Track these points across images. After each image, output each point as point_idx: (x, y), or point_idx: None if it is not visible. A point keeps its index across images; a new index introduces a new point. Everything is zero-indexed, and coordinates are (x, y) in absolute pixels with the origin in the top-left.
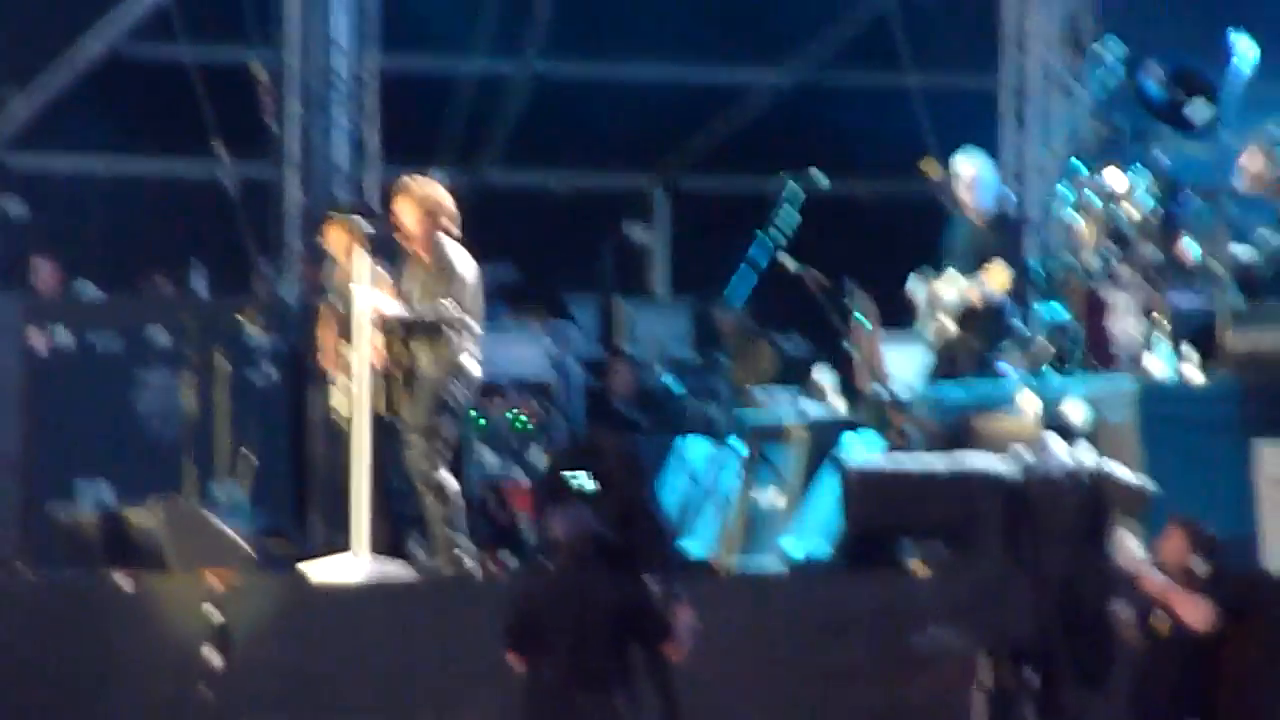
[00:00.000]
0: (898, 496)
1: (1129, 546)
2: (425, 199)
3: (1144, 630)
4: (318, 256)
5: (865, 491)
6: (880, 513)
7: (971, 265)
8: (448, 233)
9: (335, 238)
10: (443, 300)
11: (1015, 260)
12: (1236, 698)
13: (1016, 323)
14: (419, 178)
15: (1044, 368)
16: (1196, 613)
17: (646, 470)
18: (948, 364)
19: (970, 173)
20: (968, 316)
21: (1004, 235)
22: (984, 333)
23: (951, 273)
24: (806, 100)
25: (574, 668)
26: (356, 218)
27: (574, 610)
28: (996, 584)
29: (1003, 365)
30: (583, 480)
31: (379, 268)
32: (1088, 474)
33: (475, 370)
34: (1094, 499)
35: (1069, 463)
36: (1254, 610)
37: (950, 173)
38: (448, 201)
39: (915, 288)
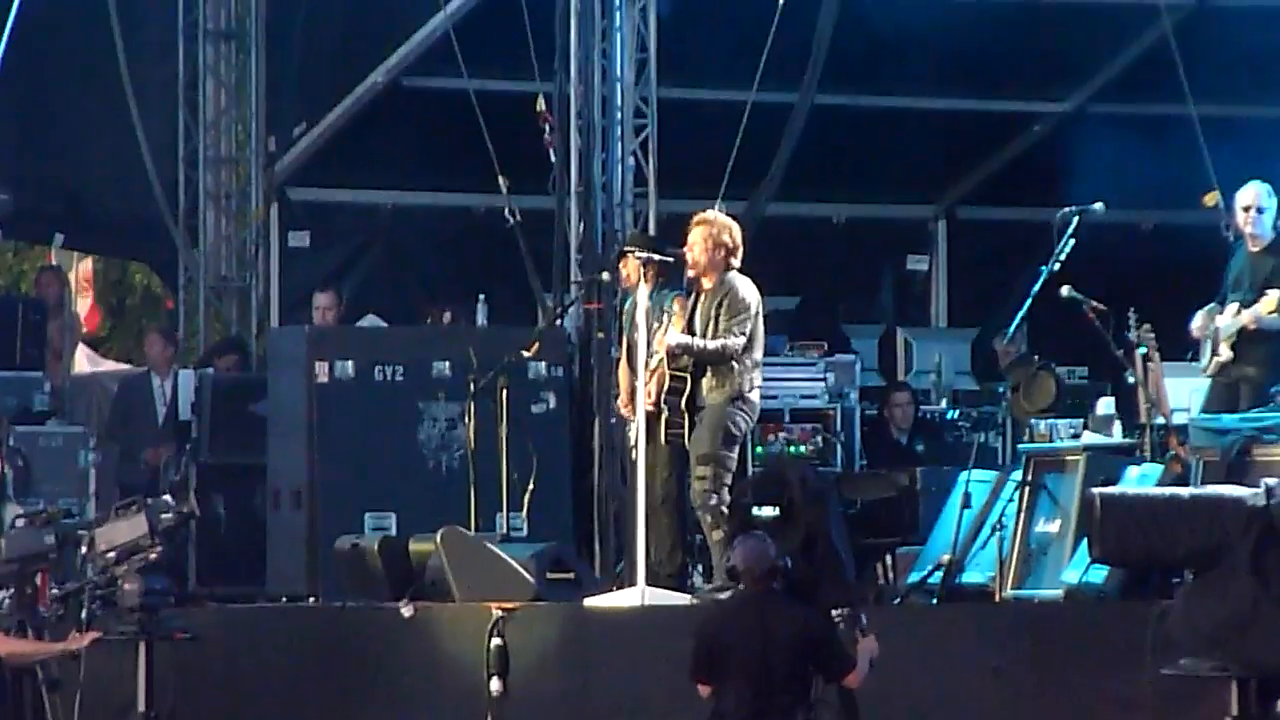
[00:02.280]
0: (1146, 525)
1: None
2: (718, 231)
3: None
4: (596, 287)
5: (1112, 520)
6: (1129, 542)
7: (1250, 294)
8: (733, 267)
9: (629, 270)
10: (728, 331)
11: None
12: None
13: None
14: (710, 210)
15: None
16: None
17: (830, 501)
18: (1226, 394)
19: (1249, 200)
20: (1242, 343)
21: None
22: (1260, 360)
23: (1232, 306)
24: (1087, 129)
25: (756, 696)
26: (646, 251)
27: (756, 640)
28: (1245, 612)
29: None
30: (766, 510)
31: (668, 299)
32: None
33: (757, 400)
34: None
35: None
36: None
37: (1230, 203)
38: (736, 234)
39: (1199, 321)
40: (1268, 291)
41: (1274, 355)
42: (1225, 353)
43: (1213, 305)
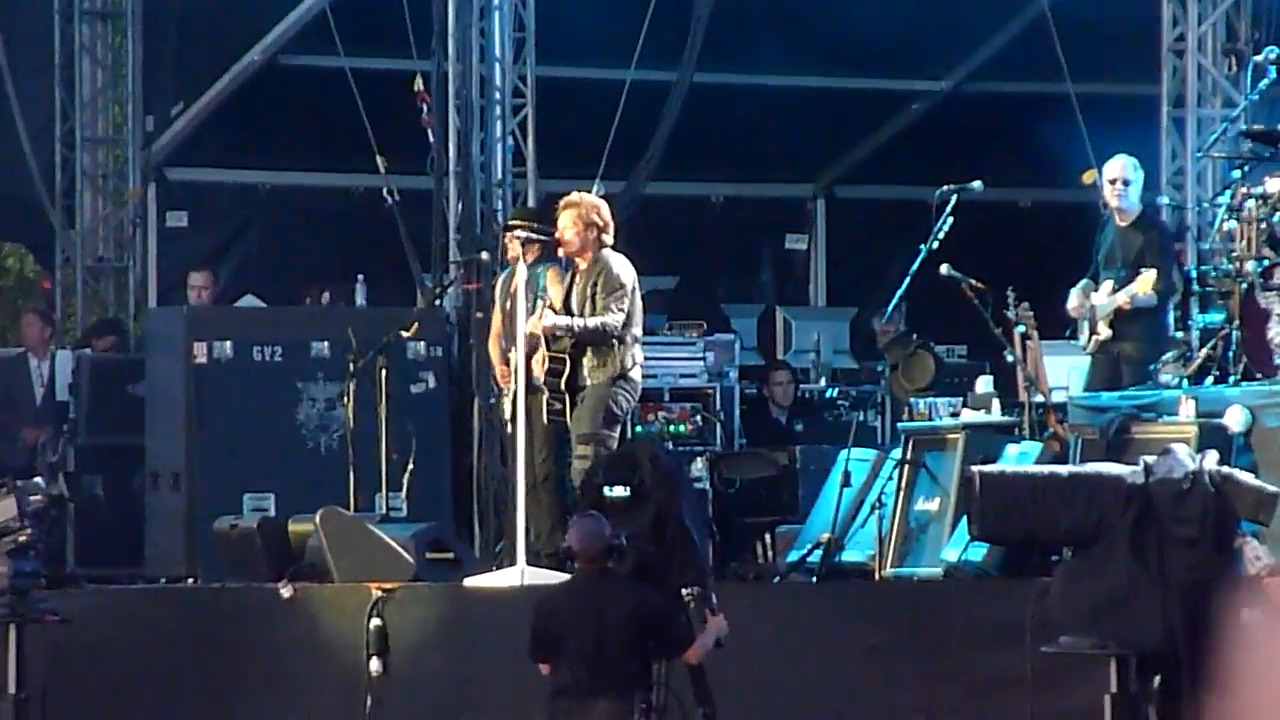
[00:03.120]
0: (1025, 503)
1: (1256, 550)
2: (586, 210)
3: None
4: (475, 267)
5: (991, 498)
6: (1009, 520)
7: (1123, 271)
8: (606, 245)
9: (512, 246)
10: (606, 309)
11: (1167, 261)
12: None
13: (1172, 330)
14: (580, 192)
15: (1203, 375)
16: None
17: (681, 481)
18: (1109, 370)
19: (1115, 173)
20: (1120, 321)
21: (1153, 237)
22: (1138, 336)
23: (1107, 284)
24: (964, 108)
25: (592, 675)
26: (529, 225)
27: (590, 619)
28: (1123, 590)
29: (1161, 373)
30: (617, 490)
31: (542, 275)
32: (1213, 479)
33: (638, 378)
34: (1220, 504)
35: (1194, 467)
36: None
37: (1101, 179)
38: (605, 212)
39: (1074, 300)
40: (1142, 271)
41: (1153, 331)
42: (1104, 331)
43: (1086, 282)
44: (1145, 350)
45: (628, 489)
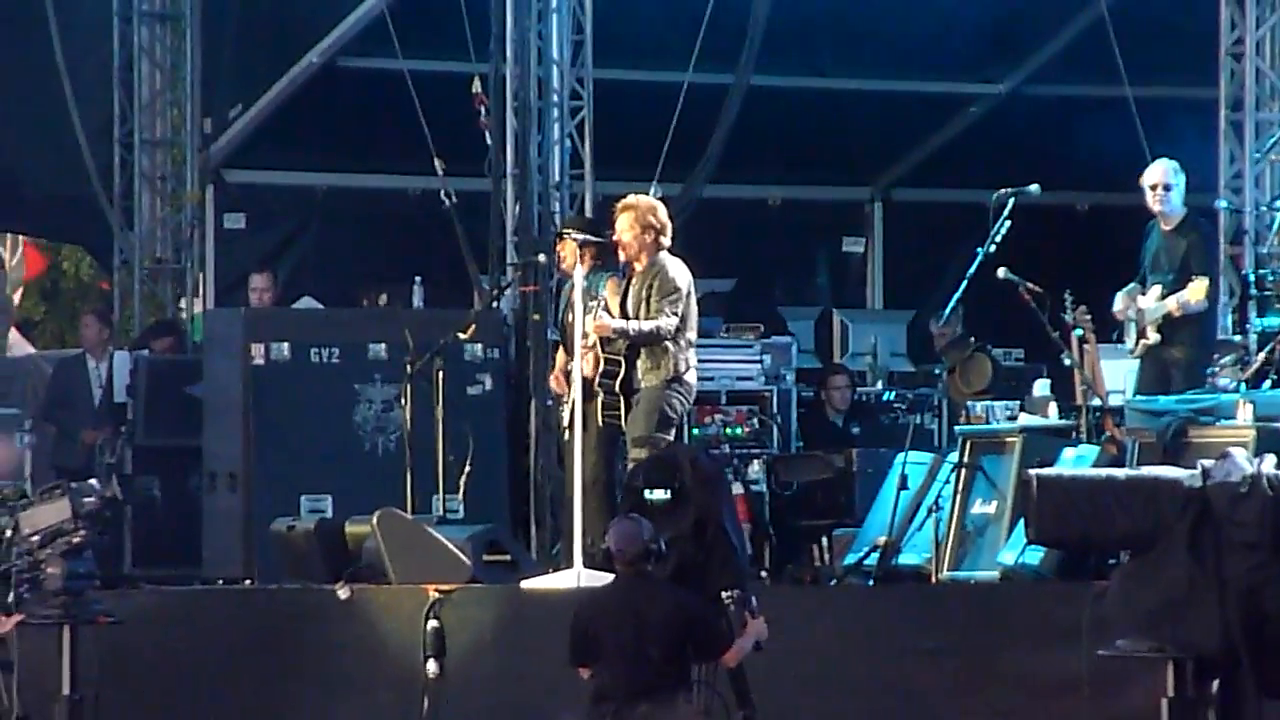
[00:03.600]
0: (1082, 507)
1: None
2: (643, 213)
3: None
4: (533, 269)
5: (1048, 501)
6: (1066, 523)
7: (1169, 275)
8: (663, 247)
9: (566, 252)
10: (660, 311)
11: (1212, 264)
12: None
13: (1229, 333)
14: (637, 194)
15: (1261, 378)
16: None
17: (722, 485)
18: (1158, 375)
19: (1155, 179)
20: (1169, 326)
21: (1195, 240)
22: (1188, 341)
23: (1155, 288)
24: (1023, 111)
25: (633, 679)
26: (583, 233)
27: (629, 623)
28: (1181, 594)
29: (1218, 376)
30: (658, 493)
31: (602, 282)
32: (1271, 483)
33: (693, 381)
34: (1276, 507)
35: (1251, 471)
36: None
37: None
38: (663, 214)
39: (1120, 304)
40: (1193, 278)
41: (1202, 336)
42: (1153, 335)
43: (1133, 286)
44: (1195, 354)
45: (668, 492)
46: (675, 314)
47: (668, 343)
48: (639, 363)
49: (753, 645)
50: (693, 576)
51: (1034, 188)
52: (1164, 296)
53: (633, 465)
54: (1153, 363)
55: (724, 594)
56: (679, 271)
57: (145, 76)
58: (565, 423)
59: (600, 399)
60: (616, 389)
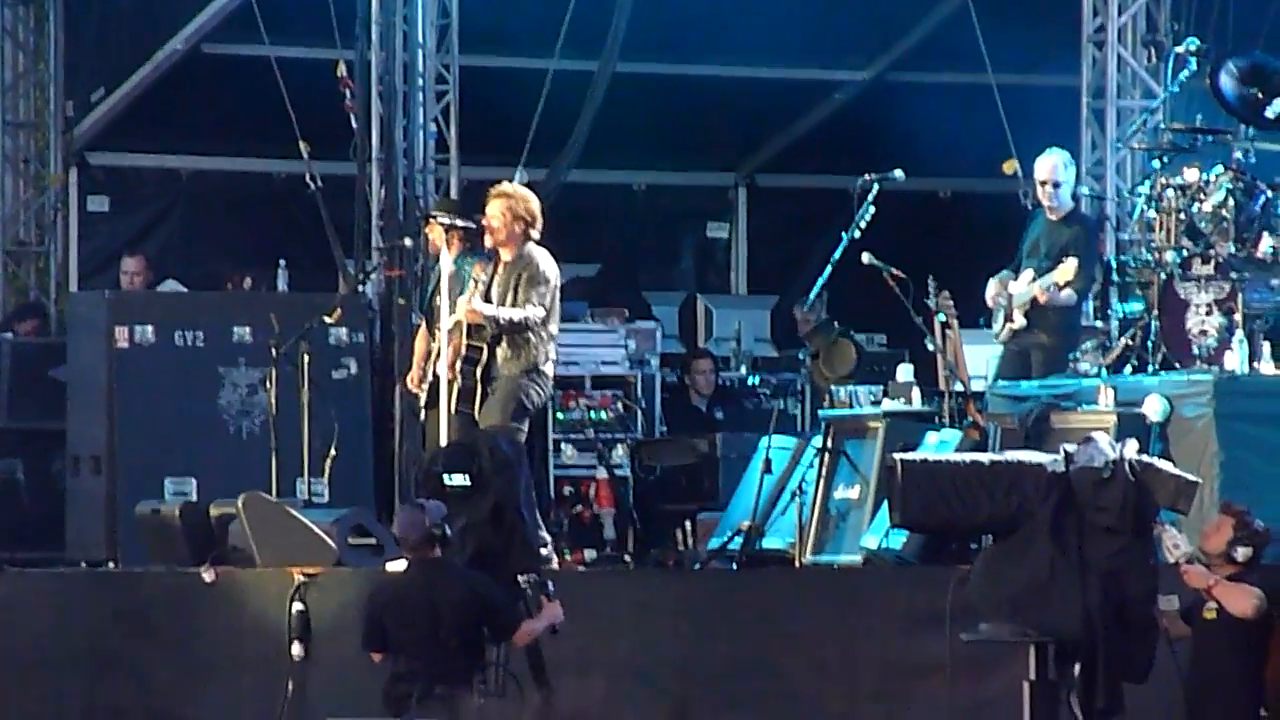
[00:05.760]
0: (946, 491)
1: (1174, 538)
2: (518, 203)
3: (1190, 621)
4: (398, 253)
5: (912, 486)
6: (930, 508)
7: (1045, 262)
8: (533, 239)
9: (434, 236)
10: (528, 302)
11: (1089, 257)
12: None
13: (1091, 319)
14: (508, 182)
15: (1122, 364)
16: (1243, 602)
17: (518, 471)
18: (1018, 361)
19: (1045, 175)
20: (1035, 310)
21: (1079, 232)
22: (1053, 328)
23: (1027, 273)
24: (886, 98)
25: (428, 662)
26: (450, 216)
27: (422, 607)
28: (1043, 578)
29: (1080, 362)
30: (457, 478)
31: (470, 265)
32: (1133, 468)
33: (551, 372)
34: (1139, 493)
35: (1113, 456)
36: None
37: (1028, 172)
38: (535, 206)
39: (992, 289)
40: (1064, 260)
41: (1067, 323)
42: (1019, 319)
43: (1005, 272)
44: (1058, 341)
45: (467, 477)
46: (543, 305)
47: (530, 333)
48: (499, 350)
49: (547, 628)
50: (491, 561)
51: (898, 173)
52: (1034, 280)
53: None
54: (1016, 348)
55: (521, 577)
56: (548, 263)
57: (8, 58)
58: (423, 403)
59: (458, 385)
60: (476, 375)
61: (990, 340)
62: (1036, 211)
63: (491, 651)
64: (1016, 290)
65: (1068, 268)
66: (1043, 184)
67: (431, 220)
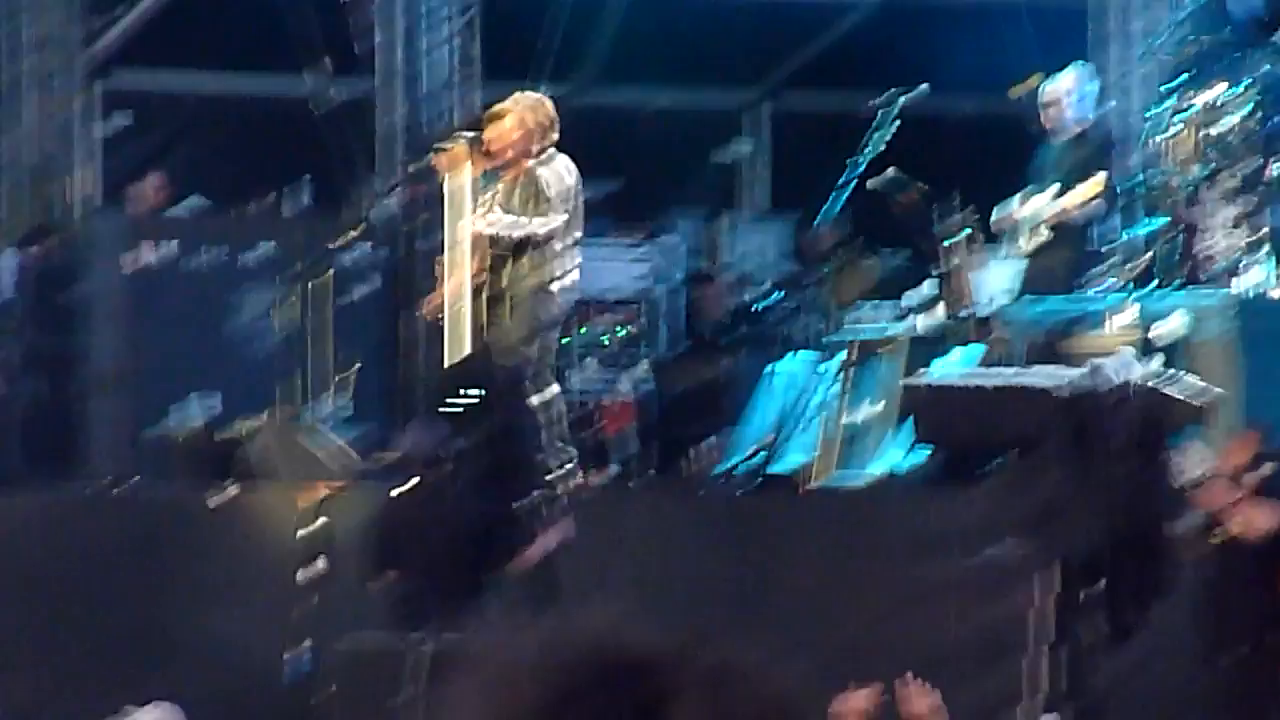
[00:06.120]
0: (967, 408)
1: (1192, 457)
2: (530, 111)
3: (1208, 540)
4: (419, 172)
5: (932, 404)
6: (951, 425)
7: (1066, 179)
8: (553, 142)
9: (458, 154)
10: (546, 213)
11: (1108, 173)
12: None
13: (1112, 237)
14: (523, 93)
15: (1141, 282)
16: (1261, 519)
17: (526, 388)
18: (1041, 278)
19: (1068, 85)
20: (1055, 230)
21: (1098, 148)
22: (1073, 245)
23: (1051, 189)
24: (908, 14)
25: (434, 578)
26: (462, 135)
27: (430, 523)
28: (1063, 495)
29: (1100, 279)
30: (464, 397)
31: (494, 181)
32: (1145, 386)
33: (574, 282)
34: (1153, 411)
35: (1126, 375)
36: None
37: (1048, 87)
38: (550, 109)
39: (1009, 205)
40: (1094, 175)
41: (1087, 240)
42: (1039, 235)
43: (1030, 188)
44: (1078, 257)
45: (477, 394)
46: (565, 212)
47: (549, 244)
48: (519, 264)
49: (556, 546)
50: (499, 479)
51: (923, 88)
52: (1058, 196)
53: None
54: (1036, 265)
55: (529, 495)
56: (566, 170)
57: None
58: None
59: (484, 297)
60: (500, 287)
61: (1012, 257)
62: (1045, 136)
63: (501, 569)
64: (1036, 207)
65: (1096, 181)
66: (1054, 103)
67: (456, 139)
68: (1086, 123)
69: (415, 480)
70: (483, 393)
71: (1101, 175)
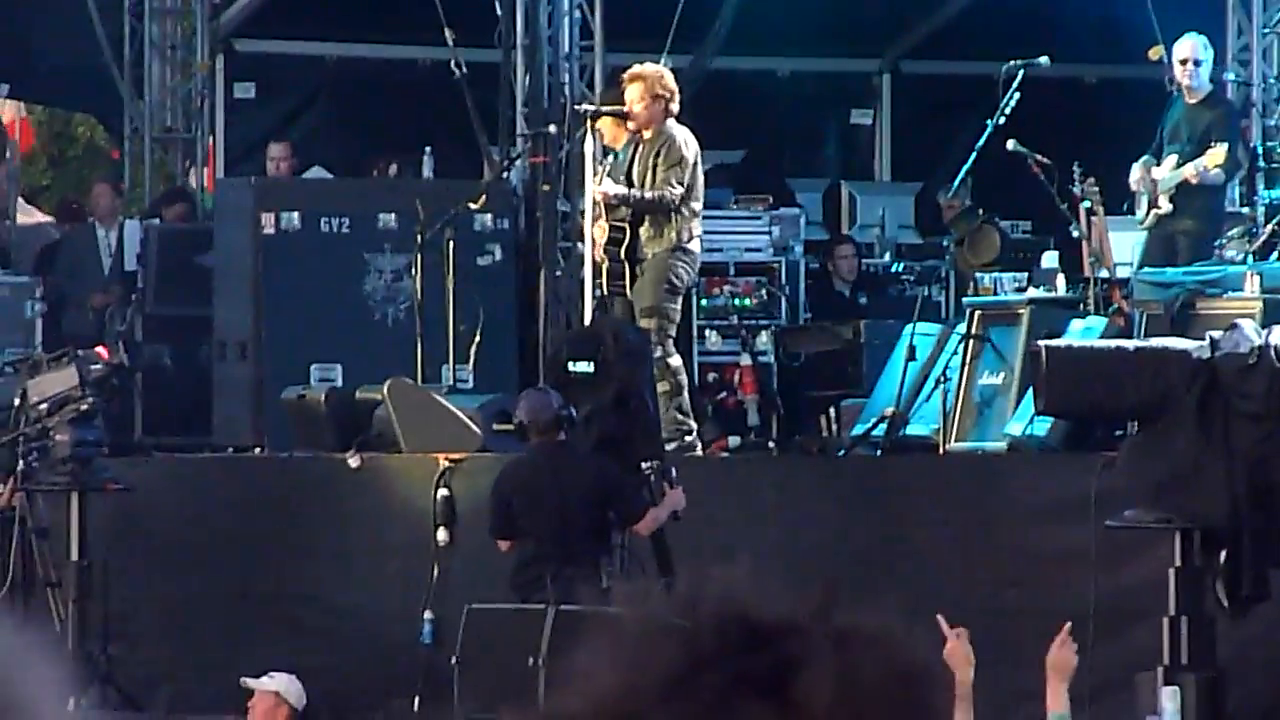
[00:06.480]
0: (1092, 378)
1: None
2: (653, 81)
3: None
4: (543, 140)
5: (1057, 372)
6: (1075, 394)
7: (1188, 146)
8: (672, 115)
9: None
10: (665, 181)
11: (1234, 139)
12: None
13: (1237, 206)
14: (645, 63)
15: (1269, 250)
16: None
17: (645, 358)
18: (1164, 247)
19: (1185, 53)
20: (1181, 196)
21: (1221, 114)
22: (1199, 213)
23: (1170, 158)
24: None
25: (556, 545)
26: (585, 104)
27: (551, 491)
28: (1189, 465)
29: (1226, 248)
30: (581, 365)
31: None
32: (1277, 353)
33: (698, 250)
34: None
35: (1259, 342)
36: None
37: (1180, 44)
38: (670, 82)
39: (1136, 174)
40: (1213, 145)
41: (1213, 208)
42: (1165, 205)
43: (1148, 158)
44: (1204, 227)
45: (591, 364)
46: (681, 183)
47: (672, 212)
48: (642, 230)
49: (670, 515)
50: (614, 447)
51: (1043, 59)
52: (1179, 165)
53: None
54: (1161, 234)
55: (644, 464)
56: (686, 140)
57: None
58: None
59: (606, 266)
60: (621, 256)
61: (1135, 227)
62: (1175, 97)
63: (617, 536)
64: (1161, 175)
65: (1217, 152)
66: (1183, 63)
67: (600, 114)
68: (1205, 89)
69: (532, 445)
70: (598, 360)
71: (1223, 147)
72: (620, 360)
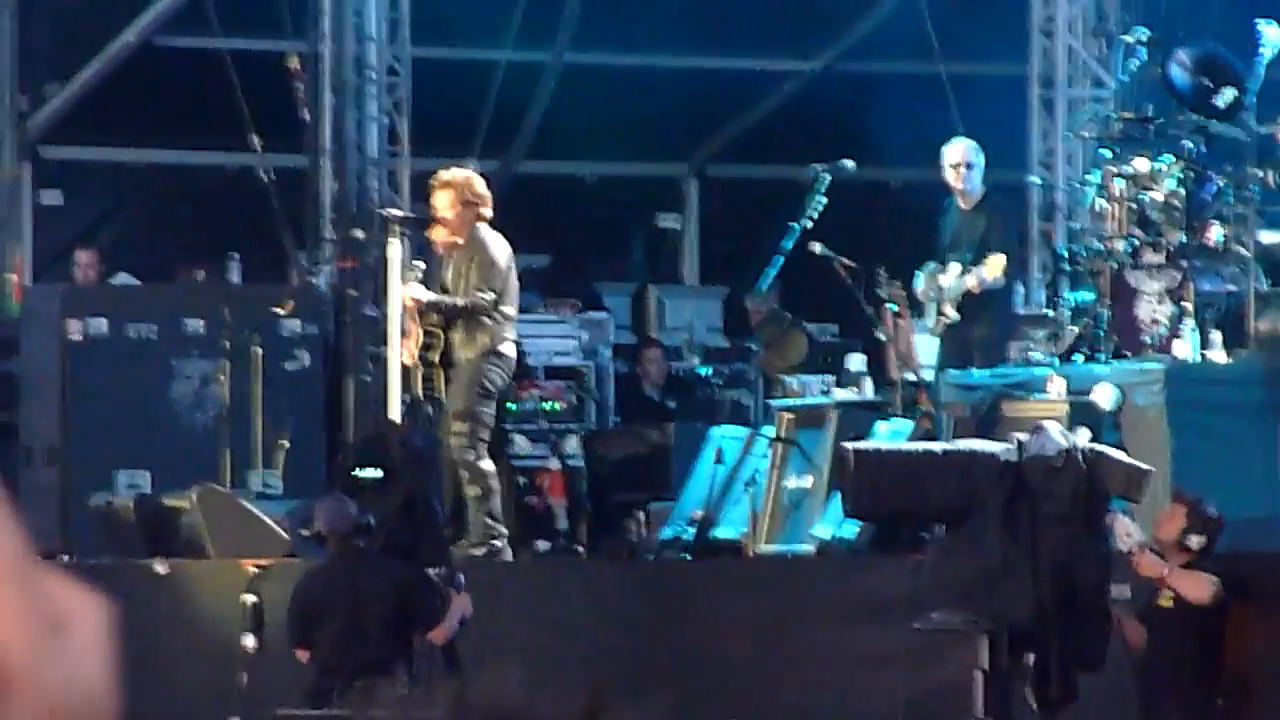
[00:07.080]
0: (899, 480)
1: (1126, 527)
2: (463, 187)
3: (1144, 609)
4: (350, 245)
5: (864, 475)
6: (882, 496)
7: (968, 255)
8: (484, 220)
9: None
10: (479, 287)
11: (1010, 243)
12: (1241, 673)
13: (1043, 306)
14: (455, 168)
15: (1073, 353)
16: (1199, 589)
17: (432, 463)
18: (958, 353)
19: (956, 158)
20: (968, 304)
21: (994, 220)
22: (989, 320)
23: (955, 266)
24: (836, 88)
25: (354, 652)
26: (392, 210)
27: (347, 598)
28: (996, 566)
29: (1031, 350)
30: (368, 471)
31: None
32: (1085, 456)
33: (511, 354)
34: (1089, 481)
35: (1064, 445)
36: (1262, 589)
37: (948, 149)
38: (484, 190)
39: (921, 281)
40: (992, 255)
41: (1000, 313)
42: (951, 313)
43: (933, 265)
44: (995, 332)
45: (379, 470)
46: (492, 288)
47: (485, 316)
48: (455, 335)
49: (459, 621)
50: (401, 553)
51: (848, 163)
52: (963, 274)
53: (456, 438)
54: (952, 340)
55: (431, 570)
56: (498, 247)
57: None
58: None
59: (420, 372)
60: (435, 360)
61: (926, 332)
62: (950, 201)
63: (415, 641)
64: (947, 284)
65: (996, 262)
66: (954, 167)
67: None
68: (978, 193)
69: (329, 553)
70: (386, 466)
71: (1000, 258)
72: (407, 466)
